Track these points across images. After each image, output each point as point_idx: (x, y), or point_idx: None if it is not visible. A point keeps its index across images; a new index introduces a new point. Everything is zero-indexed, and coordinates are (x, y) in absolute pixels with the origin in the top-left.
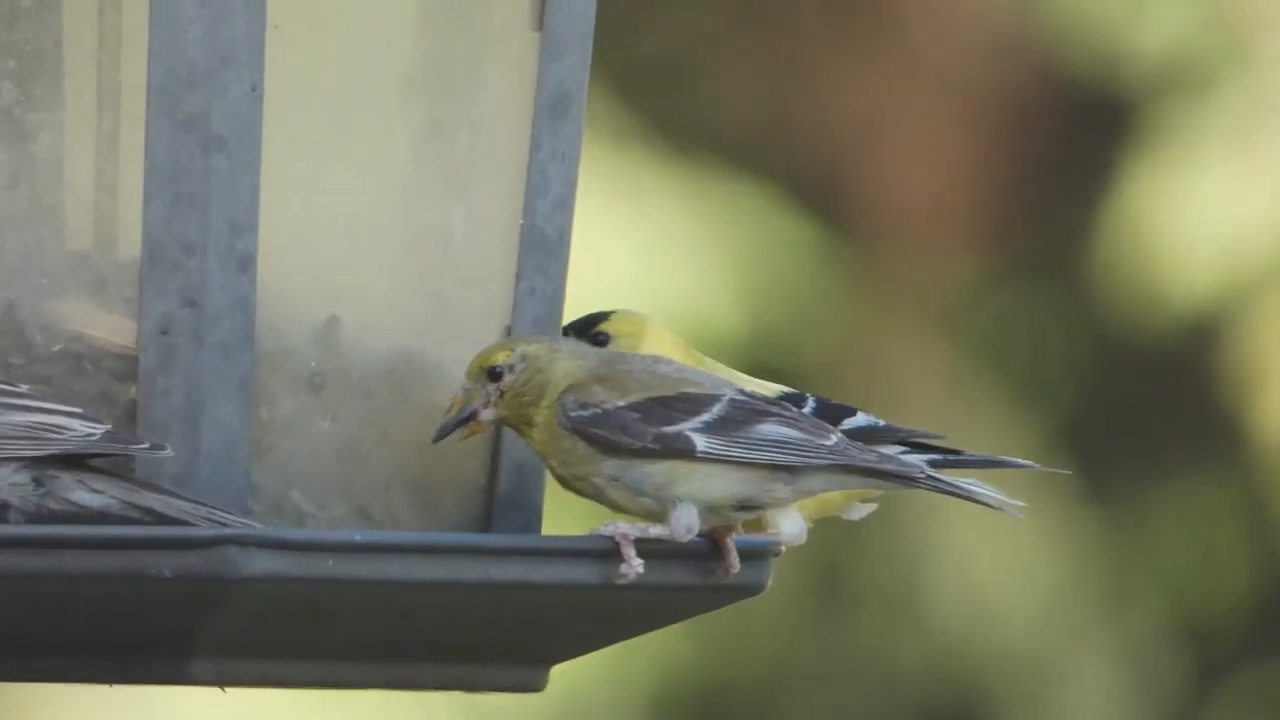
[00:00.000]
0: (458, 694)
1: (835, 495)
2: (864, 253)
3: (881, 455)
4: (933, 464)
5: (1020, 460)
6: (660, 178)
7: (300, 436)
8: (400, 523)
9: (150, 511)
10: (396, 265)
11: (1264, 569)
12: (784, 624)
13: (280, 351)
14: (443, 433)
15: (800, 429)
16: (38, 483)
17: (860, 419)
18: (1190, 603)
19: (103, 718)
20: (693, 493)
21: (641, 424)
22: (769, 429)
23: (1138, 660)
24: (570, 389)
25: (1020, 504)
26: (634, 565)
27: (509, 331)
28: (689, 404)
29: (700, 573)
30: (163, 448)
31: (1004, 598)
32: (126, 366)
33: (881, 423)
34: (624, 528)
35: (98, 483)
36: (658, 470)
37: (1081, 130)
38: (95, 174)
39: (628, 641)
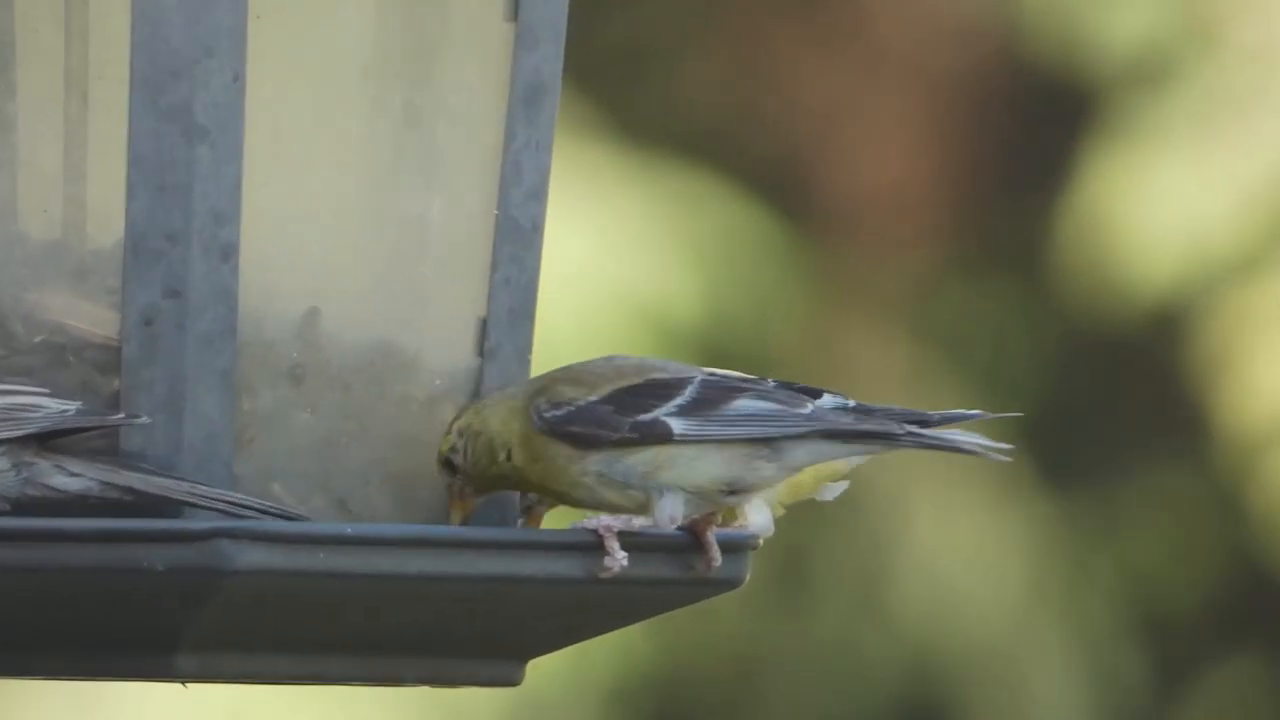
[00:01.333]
0: (422, 688)
1: (805, 477)
2: (825, 243)
3: (859, 417)
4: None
5: (969, 445)
6: (621, 168)
7: (281, 429)
8: (378, 515)
9: (130, 490)
10: (374, 256)
11: (1228, 561)
12: (745, 617)
13: (261, 343)
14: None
15: (775, 400)
16: (16, 470)
17: (827, 400)
18: (1154, 595)
19: (76, 709)
20: (679, 479)
21: (616, 415)
22: (744, 404)
23: (1102, 653)
24: (538, 394)
25: (1005, 446)
26: (618, 558)
27: (483, 323)
28: (660, 389)
29: (681, 566)
30: (138, 417)
31: (967, 590)
32: (109, 358)
33: (851, 402)
34: (607, 520)
35: (75, 465)
36: (641, 459)
37: (1044, 120)
38: (76, 164)
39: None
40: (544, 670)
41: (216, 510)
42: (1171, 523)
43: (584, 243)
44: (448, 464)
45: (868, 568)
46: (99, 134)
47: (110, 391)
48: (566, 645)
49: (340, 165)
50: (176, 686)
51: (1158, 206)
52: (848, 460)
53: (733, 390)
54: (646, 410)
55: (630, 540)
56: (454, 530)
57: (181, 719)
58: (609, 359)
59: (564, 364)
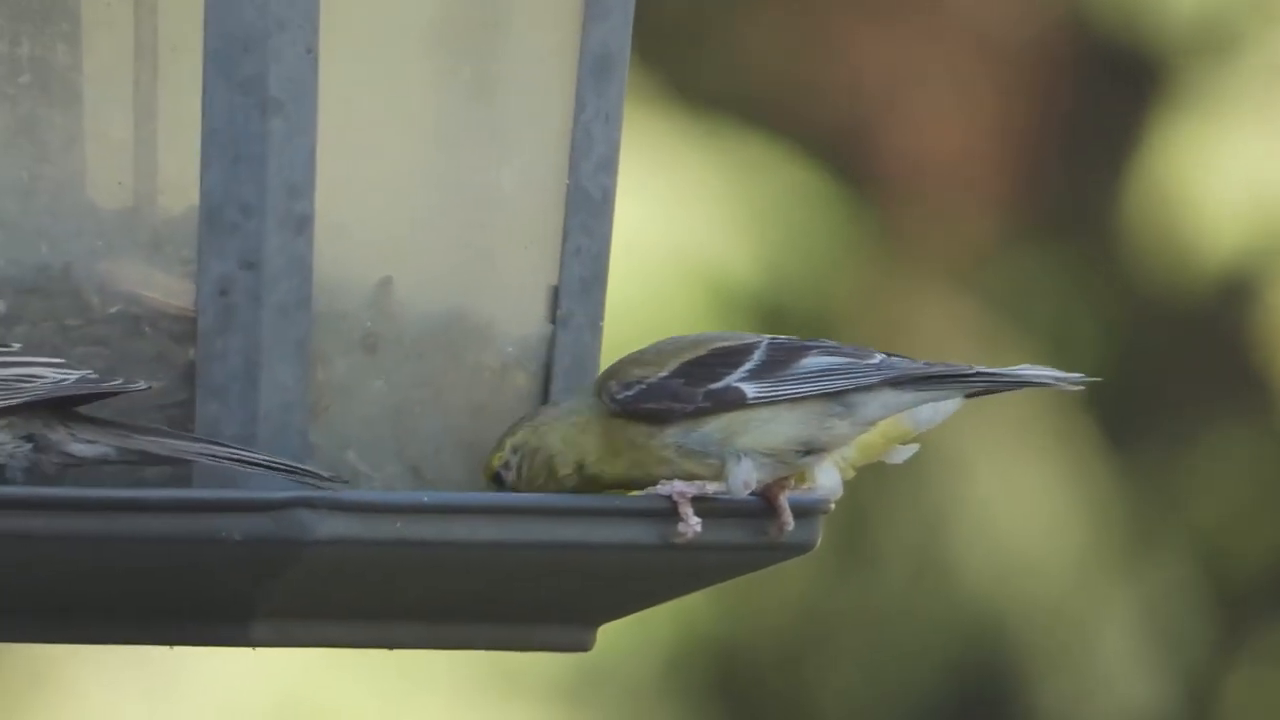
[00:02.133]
0: (487, 653)
1: (875, 439)
2: (888, 210)
3: (928, 363)
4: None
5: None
6: (684, 136)
7: (355, 398)
8: (451, 483)
9: (143, 454)
10: (446, 226)
11: None
12: (807, 580)
13: (335, 313)
14: None
15: (843, 354)
16: (29, 440)
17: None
18: (1218, 557)
19: (115, 672)
20: (755, 442)
21: (687, 387)
22: (812, 361)
23: (1164, 616)
24: (608, 376)
25: (1078, 376)
26: (692, 524)
27: (555, 292)
28: (728, 356)
29: (754, 531)
30: (136, 383)
31: (1030, 553)
32: (184, 328)
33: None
34: (681, 486)
35: (87, 432)
36: (716, 426)
37: (1110, 87)
38: (148, 136)
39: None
40: (605, 634)
41: (228, 468)
42: (1235, 485)
43: (648, 210)
44: (497, 479)
45: (930, 530)
46: (171, 106)
47: (185, 362)
48: (637, 610)
49: (412, 136)
50: (245, 654)
51: (1223, 174)
52: (916, 424)
53: (801, 350)
54: (717, 379)
55: (704, 506)
56: (530, 498)
57: (247, 685)
58: (667, 339)
59: (631, 328)
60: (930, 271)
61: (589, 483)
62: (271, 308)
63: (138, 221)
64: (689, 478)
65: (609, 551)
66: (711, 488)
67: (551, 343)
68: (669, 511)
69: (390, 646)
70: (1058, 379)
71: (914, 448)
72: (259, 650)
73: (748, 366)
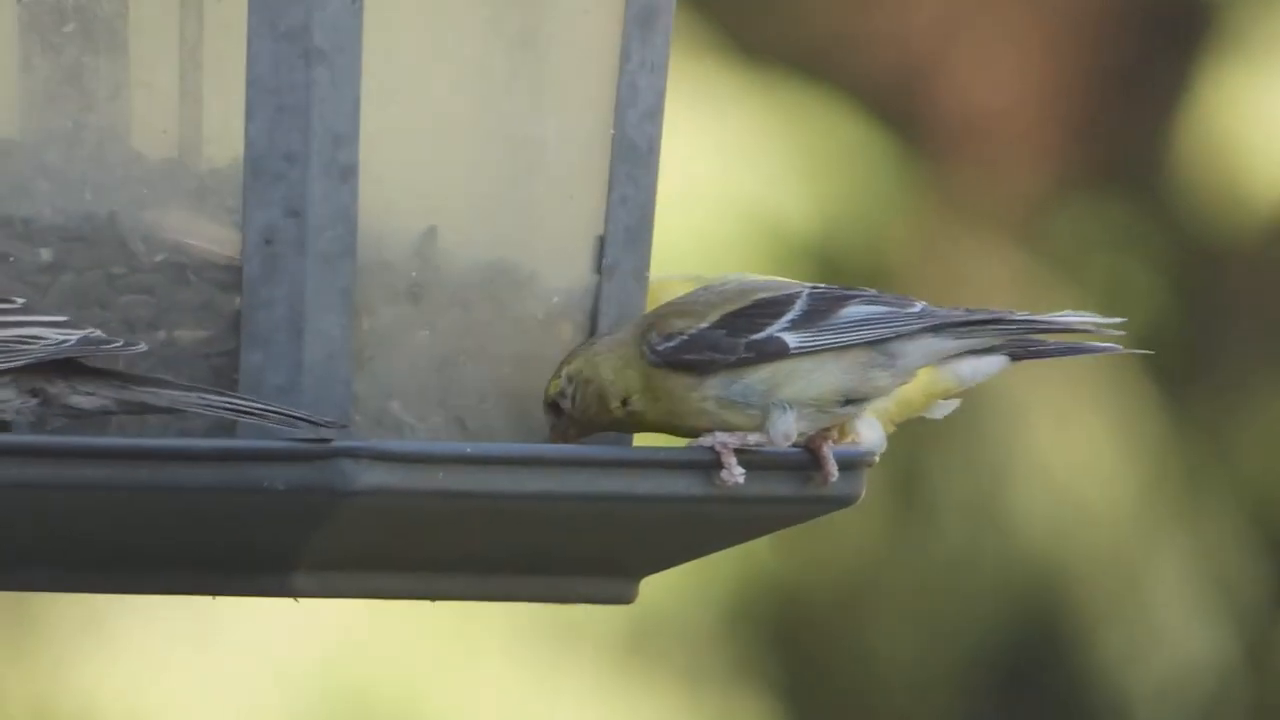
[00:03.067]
0: (538, 605)
1: (916, 394)
2: (939, 159)
3: (968, 311)
4: (1014, 357)
5: (1085, 345)
6: (738, 86)
7: (399, 347)
8: (495, 434)
9: (142, 405)
10: (491, 176)
11: None
12: (864, 531)
13: (380, 263)
14: None
15: (883, 303)
16: (32, 394)
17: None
18: (1272, 509)
19: (169, 625)
20: (799, 393)
21: (729, 338)
22: (853, 310)
23: (1220, 563)
24: (648, 330)
25: (1118, 320)
26: (735, 474)
27: (600, 242)
28: (769, 307)
29: (798, 483)
30: (136, 344)
31: (1085, 502)
32: (230, 277)
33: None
34: (724, 437)
35: (87, 385)
36: (759, 378)
37: (1160, 34)
38: (193, 85)
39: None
40: (663, 585)
41: (224, 417)
42: None
43: (701, 160)
44: (554, 406)
45: (985, 479)
46: (215, 55)
47: (231, 310)
48: (681, 563)
49: (457, 86)
50: (294, 606)
51: (1275, 120)
52: (959, 379)
53: (841, 299)
54: (759, 329)
55: (748, 458)
56: (572, 449)
57: (296, 636)
58: (708, 288)
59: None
60: (983, 222)
61: (634, 419)
62: (316, 257)
63: (183, 170)
64: (728, 429)
65: (652, 503)
66: (753, 438)
67: (597, 293)
68: (712, 463)
69: (434, 598)
70: (1098, 324)
71: (954, 404)
72: (309, 602)
73: (790, 316)
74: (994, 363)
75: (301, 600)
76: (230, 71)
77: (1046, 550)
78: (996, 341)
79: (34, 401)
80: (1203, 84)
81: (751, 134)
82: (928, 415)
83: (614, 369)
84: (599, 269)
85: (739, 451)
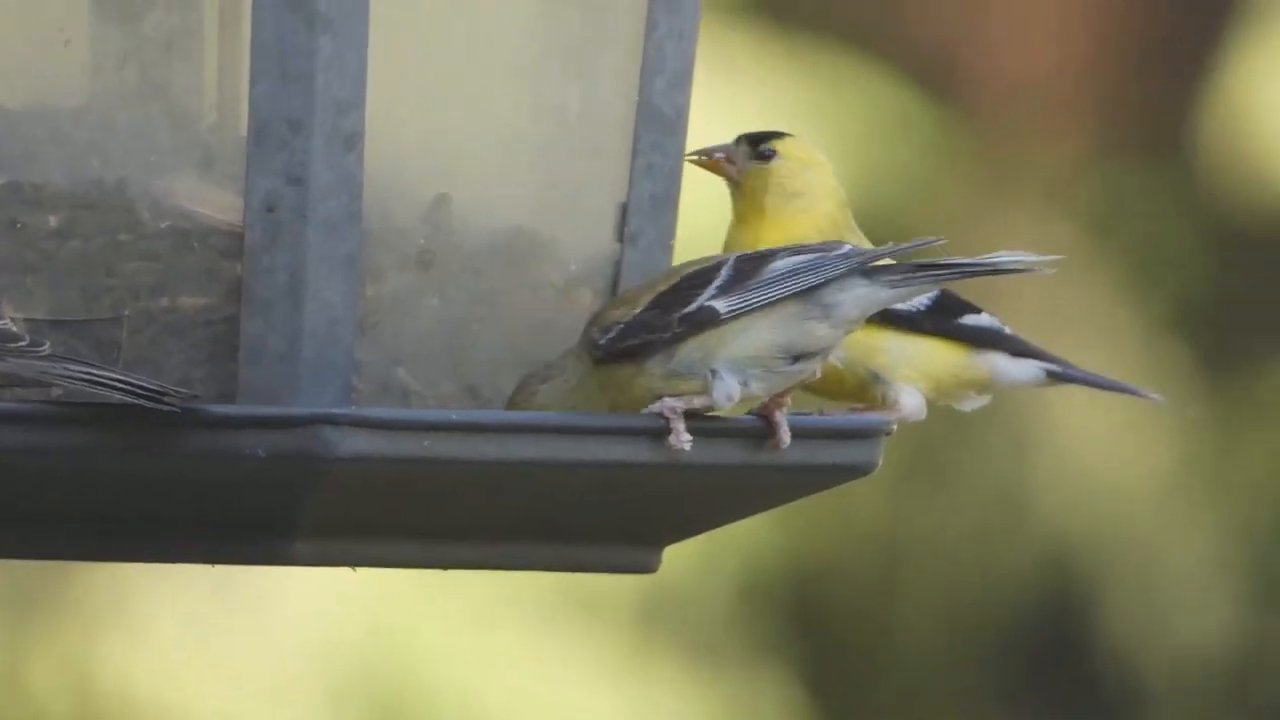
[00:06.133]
0: (556, 577)
1: (945, 375)
2: (974, 130)
3: (896, 245)
4: (1051, 374)
5: (1134, 388)
6: (771, 55)
7: (408, 314)
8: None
9: (14, 376)
10: (509, 143)
11: None
12: (883, 506)
13: (388, 229)
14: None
15: (809, 250)
16: None
17: (984, 319)
18: None
19: (195, 599)
20: (736, 352)
21: (662, 316)
22: (779, 264)
23: (1246, 543)
24: (590, 325)
25: (1053, 258)
26: (682, 440)
27: (623, 210)
28: (697, 279)
29: (753, 450)
30: (41, 345)
31: (1109, 480)
32: (232, 244)
33: (1006, 329)
34: (671, 402)
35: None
36: (694, 345)
37: (1193, 6)
38: (202, 52)
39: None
40: (677, 560)
41: (83, 389)
42: None
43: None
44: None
45: (1009, 456)
46: (222, 21)
47: (233, 277)
48: (702, 531)
49: (473, 52)
50: (321, 578)
51: None
52: (994, 374)
53: (766, 255)
54: (689, 302)
55: (705, 425)
56: (560, 416)
57: (324, 607)
58: (647, 278)
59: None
60: (1020, 191)
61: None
62: (318, 224)
63: (190, 137)
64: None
65: (652, 471)
66: (699, 401)
67: (619, 260)
68: (662, 430)
69: (444, 566)
70: (1030, 263)
71: (984, 399)
72: (334, 573)
73: (716, 283)
74: (1029, 371)
75: (339, 570)
76: (238, 38)
77: (1068, 527)
78: (932, 289)
79: None
80: (1236, 55)
81: (787, 103)
82: (956, 405)
83: (559, 398)
84: (621, 237)
85: (691, 417)
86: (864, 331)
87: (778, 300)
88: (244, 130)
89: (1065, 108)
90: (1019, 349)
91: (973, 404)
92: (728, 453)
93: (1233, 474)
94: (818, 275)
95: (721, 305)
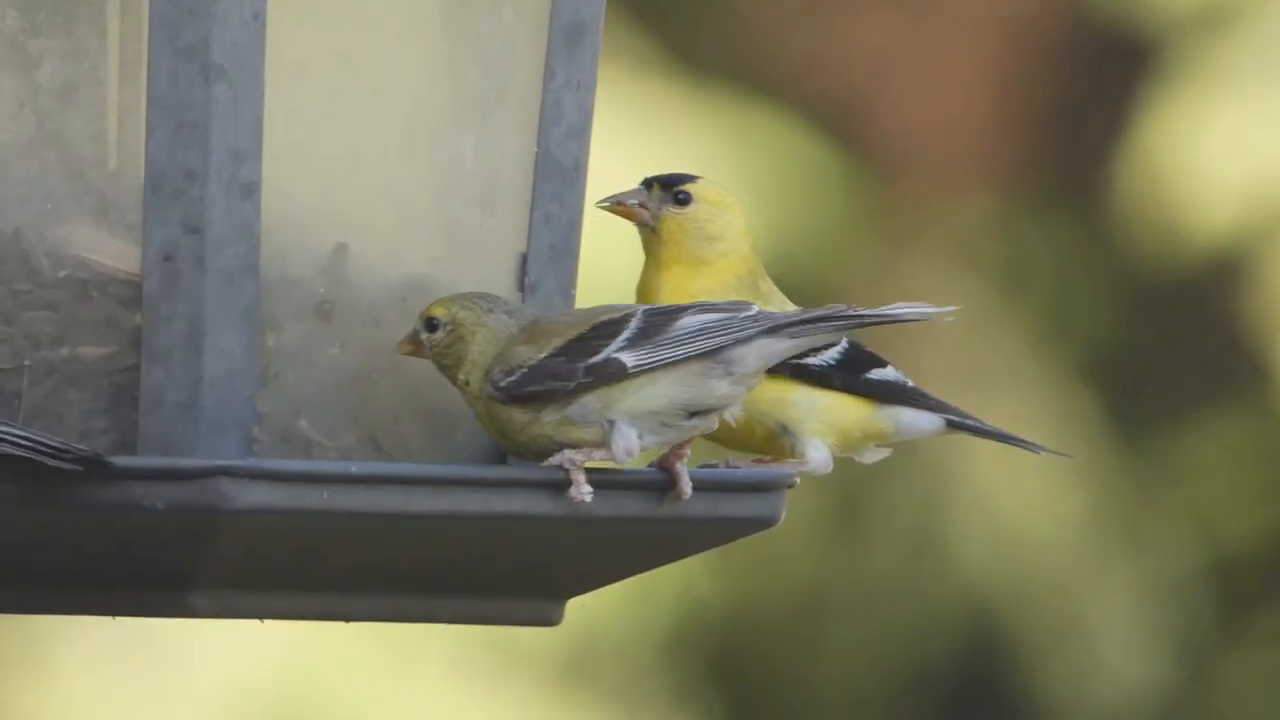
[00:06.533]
0: (477, 628)
1: (853, 430)
2: (884, 182)
3: (803, 310)
4: (950, 424)
5: (1029, 441)
6: (681, 104)
7: (308, 364)
8: (411, 453)
9: None
10: (407, 193)
11: None
12: (805, 558)
13: (287, 279)
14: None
15: (718, 310)
16: None
17: (890, 373)
18: (1216, 536)
19: (110, 646)
20: (634, 407)
21: (568, 365)
22: (688, 320)
23: (1162, 597)
24: (496, 360)
25: (949, 309)
26: (583, 492)
27: (523, 259)
28: (606, 329)
29: (655, 502)
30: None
31: (1028, 530)
32: (131, 293)
33: (909, 383)
34: (571, 454)
35: None
36: (595, 395)
37: (1105, 62)
38: (98, 101)
39: (645, 575)
40: (603, 611)
41: None
42: (1233, 464)
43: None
44: (429, 323)
45: (930, 507)
46: (120, 71)
47: (133, 326)
48: (604, 584)
49: (372, 103)
50: (233, 629)
51: (1218, 151)
52: (897, 426)
53: (676, 312)
54: (596, 352)
55: (606, 478)
56: (461, 470)
57: (239, 660)
58: (553, 318)
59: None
60: (925, 242)
61: (467, 398)
62: (216, 273)
63: (87, 186)
64: (570, 445)
65: (555, 523)
66: (599, 454)
67: None
68: (563, 482)
69: (346, 619)
70: (926, 314)
71: (885, 452)
72: (252, 626)
73: (624, 336)
74: (931, 422)
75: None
76: (135, 87)
77: (991, 576)
78: (833, 337)
79: None
80: (1148, 112)
81: (697, 152)
82: (858, 458)
83: (480, 349)
84: (521, 286)
85: (591, 469)
86: (775, 385)
87: (683, 358)
88: (141, 179)
89: (974, 160)
90: (920, 401)
91: (874, 456)
92: (629, 505)
93: (1147, 524)
94: (725, 336)
95: (629, 359)
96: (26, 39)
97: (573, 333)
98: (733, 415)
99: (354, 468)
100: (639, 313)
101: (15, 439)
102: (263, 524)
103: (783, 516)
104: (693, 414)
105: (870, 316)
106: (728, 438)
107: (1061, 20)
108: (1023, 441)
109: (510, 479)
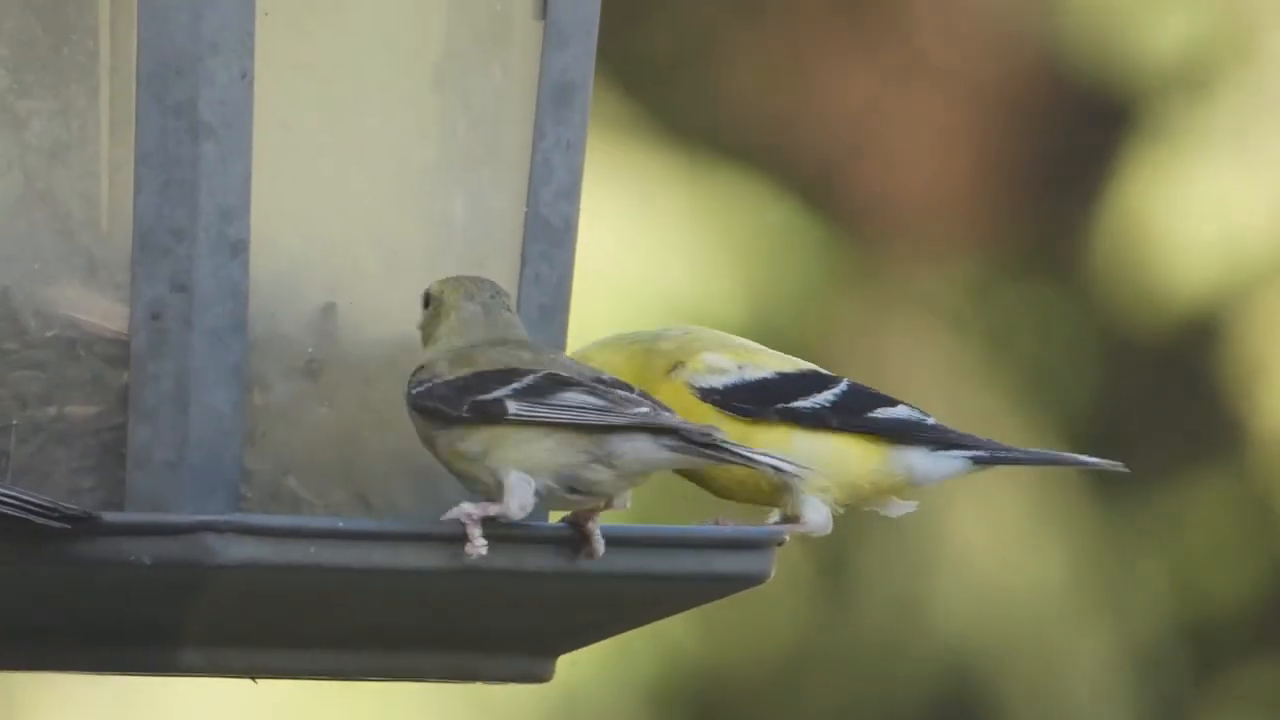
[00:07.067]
0: (456, 684)
1: (863, 481)
2: (866, 246)
3: (684, 421)
4: (978, 461)
5: (1076, 457)
6: (664, 169)
7: (296, 423)
8: (400, 510)
9: None
10: (395, 252)
11: (1267, 565)
12: (788, 616)
13: (275, 337)
14: None
15: (605, 399)
16: None
17: (901, 411)
18: (1194, 596)
19: (93, 705)
20: (512, 460)
21: (459, 394)
22: (573, 396)
23: (1142, 653)
24: (430, 360)
25: (809, 469)
26: (477, 546)
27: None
28: (508, 375)
29: (566, 558)
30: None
31: (1009, 590)
32: (118, 352)
33: (930, 419)
34: (468, 508)
35: None
36: (478, 438)
37: (1083, 126)
38: (86, 160)
39: (628, 633)
40: (585, 668)
41: None
42: (1211, 526)
43: (625, 241)
44: (425, 297)
45: (911, 566)
46: (108, 129)
47: (120, 385)
48: (595, 640)
49: (361, 162)
50: (220, 683)
51: (1196, 213)
52: (911, 476)
53: (568, 383)
54: (487, 391)
55: (523, 533)
56: (450, 526)
57: (222, 712)
58: (505, 349)
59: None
60: (907, 307)
61: None
62: (203, 332)
63: (74, 245)
64: (472, 483)
65: (546, 580)
66: (493, 509)
67: None
68: (460, 536)
69: (334, 677)
70: (797, 470)
71: (910, 505)
72: (234, 686)
73: (516, 385)
74: (952, 464)
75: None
76: (123, 146)
77: (971, 635)
78: (708, 462)
79: None
80: (1126, 174)
81: (678, 216)
82: (882, 512)
83: (445, 335)
84: None
85: (489, 522)
86: (772, 433)
87: (563, 426)
88: (129, 237)
89: (953, 223)
90: (941, 439)
91: (899, 509)
92: (536, 560)
93: (1126, 585)
94: (600, 418)
95: (512, 406)
96: (15, 99)
97: (487, 367)
98: (621, 504)
99: (340, 522)
100: (542, 371)
101: (3, 498)
102: (249, 579)
103: (772, 573)
104: (572, 489)
105: (738, 456)
106: (738, 491)
107: (1039, 83)
108: (1070, 459)
109: (405, 532)
